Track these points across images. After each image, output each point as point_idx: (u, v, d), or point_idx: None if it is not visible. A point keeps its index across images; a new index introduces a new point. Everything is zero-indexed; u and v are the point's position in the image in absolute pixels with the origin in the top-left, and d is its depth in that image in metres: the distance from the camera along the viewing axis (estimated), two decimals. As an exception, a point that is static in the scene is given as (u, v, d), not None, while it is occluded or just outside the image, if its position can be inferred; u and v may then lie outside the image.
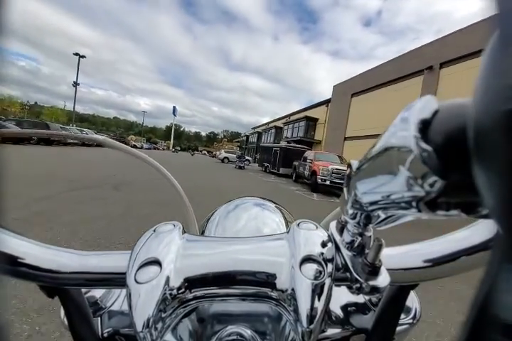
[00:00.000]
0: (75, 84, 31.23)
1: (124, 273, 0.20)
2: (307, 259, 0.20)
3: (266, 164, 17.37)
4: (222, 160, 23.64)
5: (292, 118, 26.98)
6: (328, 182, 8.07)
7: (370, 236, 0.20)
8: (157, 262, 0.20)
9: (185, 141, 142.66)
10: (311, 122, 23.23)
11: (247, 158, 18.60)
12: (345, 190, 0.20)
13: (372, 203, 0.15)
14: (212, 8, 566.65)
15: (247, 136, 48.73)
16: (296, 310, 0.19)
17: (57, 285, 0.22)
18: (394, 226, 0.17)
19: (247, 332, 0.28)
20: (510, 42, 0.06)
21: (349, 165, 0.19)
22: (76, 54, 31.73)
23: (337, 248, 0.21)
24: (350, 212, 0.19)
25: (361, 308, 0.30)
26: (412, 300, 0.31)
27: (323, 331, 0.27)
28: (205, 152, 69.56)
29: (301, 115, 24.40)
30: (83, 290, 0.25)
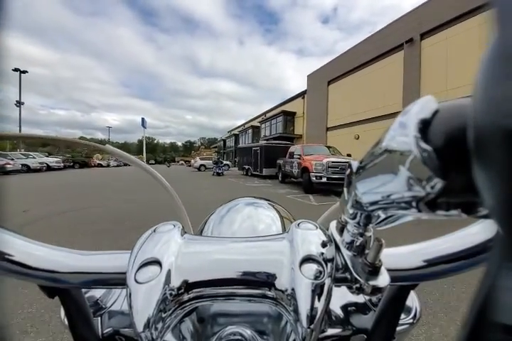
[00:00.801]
0: (19, 103, 26.98)
1: (124, 273, 0.20)
2: (307, 259, 0.20)
3: (246, 167, 15.34)
4: (199, 169, 21.27)
5: (269, 115, 25.34)
6: (324, 180, 6.36)
7: (370, 236, 0.19)
8: (157, 262, 0.20)
9: (160, 154, 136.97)
10: (289, 117, 21.73)
11: (224, 162, 16.44)
12: (345, 190, 0.20)
13: (372, 203, 0.15)
14: (171, 17, 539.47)
15: (224, 140, 46.60)
16: (296, 310, 0.19)
17: (57, 285, 0.22)
18: (396, 225, 0.17)
19: (247, 332, 0.28)
20: (509, 42, 0.06)
21: (349, 166, 0.19)
22: (16, 69, 27.41)
23: (337, 248, 0.21)
24: (351, 212, 0.19)
25: (361, 308, 0.30)
26: (412, 300, 0.31)
27: (323, 331, 0.27)
28: (183, 162, 67.52)
29: (278, 110, 22.80)
30: (83, 290, 0.25)
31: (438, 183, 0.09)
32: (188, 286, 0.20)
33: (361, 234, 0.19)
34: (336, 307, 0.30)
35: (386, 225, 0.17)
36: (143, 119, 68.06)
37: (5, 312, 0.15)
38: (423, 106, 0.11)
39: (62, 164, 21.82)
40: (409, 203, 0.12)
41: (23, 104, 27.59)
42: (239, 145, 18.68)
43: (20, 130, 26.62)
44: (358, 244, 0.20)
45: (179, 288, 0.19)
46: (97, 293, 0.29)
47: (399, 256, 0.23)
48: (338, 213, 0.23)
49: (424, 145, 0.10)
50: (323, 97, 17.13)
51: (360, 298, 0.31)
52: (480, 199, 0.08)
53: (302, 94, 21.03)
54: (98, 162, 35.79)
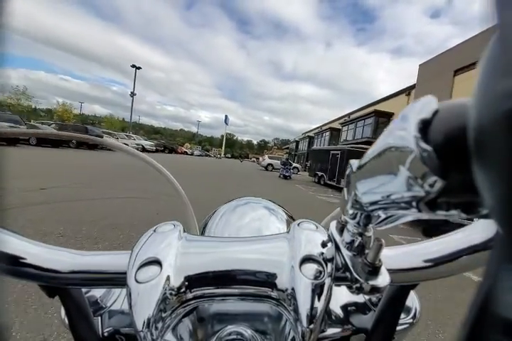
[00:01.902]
0: (132, 94, 33.81)
1: (125, 273, 0.20)
2: (307, 259, 0.20)
3: (319, 173, 12.99)
4: (266, 168, 20.23)
5: (354, 116, 21.60)
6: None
7: (370, 236, 0.19)
8: (157, 262, 0.20)
9: (237, 149, 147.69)
10: (383, 118, 17.56)
11: (294, 165, 14.52)
12: (345, 190, 0.20)
13: (372, 203, 0.15)
14: (264, 24, 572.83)
15: (297, 142, 44.47)
16: (296, 310, 0.19)
17: (57, 284, 0.22)
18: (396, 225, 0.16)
19: (247, 332, 0.28)
20: (510, 42, 0.06)
21: (349, 165, 0.19)
22: (133, 66, 34.44)
23: (337, 248, 0.21)
24: (351, 212, 0.19)
25: (361, 308, 0.30)
26: (412, 300, 0.31)
27: (323, 331, 0.27)
28: (254, 159, 70.65)
29: (368, 110, 18.93)
30: (83, 289, 0.25)
31: (438, 183, 0.09)
32: (188, 286, 0.20)
33: (361, 234, 0.19)
34: (335, 307, 0.30)
35: (386, 225, 0.17)
36: (226, 116, 74.33)
37: (5, 312, 0.15)
38: (423, 106, 0.11)
39: (155, 148, 25.50)
40: (409, 203, 0.12)
41: (135, 94, 34.22)
42: (313, 147, 16.33)
43: (131, 116, 32.81)
44: (358, 243, 0.20)
45: (179, 288, 0.19)
46: (97, 292, 0.29)
47: (399, 256, 0.23)
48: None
49: (424, 145, 0.10)
50: (444, 91, 12.57)
51: (360, 298, 0.31)
52: (480, 199, 0.08)
53: (407, 90, 16.54)
54: (185, 150, 40.96)
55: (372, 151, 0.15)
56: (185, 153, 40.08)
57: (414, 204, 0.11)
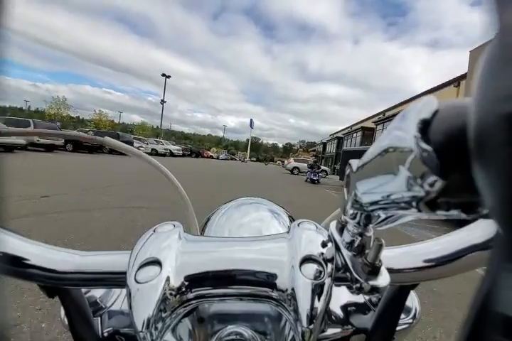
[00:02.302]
0: (162, 101, 35.52)
1: (124, 273, 0.20)
2: (307, 259, 0.21)
3: (352, 177, 11.62)
4: (292, 171, 19.22)
5: (389, 113, 19.55)
6: None
7: (370, 236, 0.19)
8: (157, 262, 0.20)
9: (262, 152, 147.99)
10: (425, 114, 15.45)
11: (322, 168, 13.30)
12: (345, 190, 0.20)
13: (372, 203, 0.15)
14: (289, 28, 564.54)
15: (324, 144, 42.45)
16: (296, 310, 0.19)
17: (57, 285, 0.22)
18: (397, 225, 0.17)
19: (247, 332, 0.28)
20: (509, 42, 0.06)
21: (349, 165, 0.18)
22: (163, 75, 36.32)
23: (337, 248, 0.21)
24: (350, 212, 0.19)
25: (361, 308, 0.30)
26: (412, 300, 0.31)
27: (323, 331, 0.27)
28: (280, 162, 70.27)
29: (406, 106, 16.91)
30: (83, 289, 0.25)
31: (438, 183, 0.09)
32: (187, 286, 0.20)
33: (361, 234, 0.19)
34: (336, 307, 0.30)
35: (386, 225, 0.17)
36: (251, 120, 74.82)
37: (5, 312, 0.15)
38: (423, 106, 0.11)
39: (182, 152, 26.19)
40: (409, 203, 0.12)
41: (165, 102, 35.93)
42: (345, 148, 14.78)
43: (161, 124, 34.31)
44: (358, 243, 0.20)
45: (179, 288, 0.19)
46: (97, 292, 0.29)
47: (399, 256, 0.23)
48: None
49: (424, 145, 0.10)
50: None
51: (360, 298, 0.31)
52: (480, 199, 0.09)
53: (455, 81, 14.34)
54: (211, 154, 41.85)
55: (372, 151, 0.15)
56: (211, 157, 40.88)
57: (414, 204, 0.11)
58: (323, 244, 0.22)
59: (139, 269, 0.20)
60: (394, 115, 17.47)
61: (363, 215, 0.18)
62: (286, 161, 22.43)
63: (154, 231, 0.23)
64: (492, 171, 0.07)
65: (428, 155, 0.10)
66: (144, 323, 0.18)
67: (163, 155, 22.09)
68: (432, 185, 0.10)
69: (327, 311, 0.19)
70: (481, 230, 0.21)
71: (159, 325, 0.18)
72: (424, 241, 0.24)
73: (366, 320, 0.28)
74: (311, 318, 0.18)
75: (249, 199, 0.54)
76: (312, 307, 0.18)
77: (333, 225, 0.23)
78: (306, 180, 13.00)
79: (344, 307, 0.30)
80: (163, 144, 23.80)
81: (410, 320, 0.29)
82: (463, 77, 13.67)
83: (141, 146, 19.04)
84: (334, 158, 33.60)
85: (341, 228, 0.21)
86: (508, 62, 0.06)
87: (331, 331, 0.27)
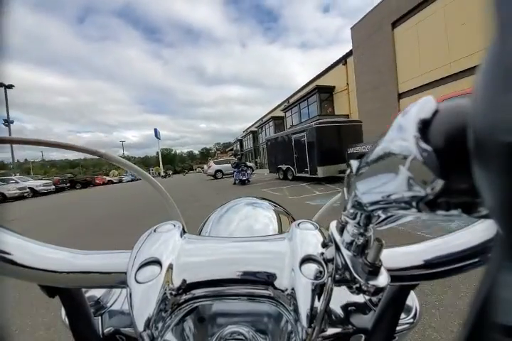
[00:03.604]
0: (6, 122, 24.28)
1: (125, 273, 0.20)
2: (307, 259, 0.21)
3: (284, 167, 9.96)
4: (215, 176, 16.33)
5: (294, 99, 19.74)
6: None
7: (370, 236, 0.19)
8: (157, 262, 0.20)
9: (179, 163, 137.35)
10: (325, 94, 15.98)
11: (248, 164, 11.07)
12: (345, 190, 0.20)
13: (372, 203, 0.15)
14: (174, 31, 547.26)
15: (240, 140, 41.60)
16: (296, 310, 0.19)
17: (57, 284, 0.22)
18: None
19: (247, 332, 0.28)
20: (510, 43, 0.06)
21: (349, 165, 0.19)
22: (1, 85, 24.73)
23: (337, 248, 0.21)
24: (351, 212, 0.19)
25: (361, 308, 0.30)
26: (412, 300, 0.31)
27: (323, 331, 0.27)
28: (200, 169, 66.59)
29: (309, 89, 17.15)
30: (84, 289, 0.25)
31: (438, 183, 0.09)
32: (188, 286, 0.20)
33: (361, 234, 0.19)
34: (336, 307, 0.30)
35: (386, 225, 0.17)
36: (155, 130, 66.12)
37: (5, 312, 0.15)
38: (423, 107, 0.11)
39: (53, 186, 18.01)
40: (409, 203, 0.12)
41: (11, 122, 24.75)
42: (268, 137, 12.96)
43: (12, 156, 23.70)
44: (358, 244, 0.20)
45: (179, 288, 0.20)
46: (98, 292, 0.29)
47: (399, 256, 0.23)
48: (333, 210, 0.23)
49: (424, 146, 0.10)
50: (385, 50, 11.24)
51: (360, 298, 0.31)
52: (480, 199, 0.09)
53: (342, 59, 15.22)
54: (109, 179, 32.84)
55: (372, 152, 0.15)
56: (109, 182, 32.14)
57: (414, 204, 0.11)
58: (324, 244, 0.21)
59: (139, 269, 0.20)
60: (300, 99, 17.56)
61: (363, 215, 0.18)
62: (205, 166, 19.26)
63: (154, 231, 0.23)
64: (492, 171, 0.07)
65: (428, 155, 0.10)
66: (144, 323, 0.18)
67: (19, 197, 14.14)
68: (432, 185, 0.10)
69: (327, 311, 0.19)
70: (481, 230, 0.21)
71: (160, 325, 0.18)
72: (424, 241, 0.24)
73: (366, 320, 0.28)
74: (311, 318, 0.18)
75: (248, 199, 0.54)
76: (312, 307, 0.18)
77: (333, 225, 0.23)
78: (235, 183, 10.45)
79: (344, 307, 0.29)
80: (16, 182, 15.40)
81: (410, 320, 0.29)
82: (348, 55, 14.61)
83: None
84: (254, 152, 33.08)
85: (341, 228, 0.21)
86: (507, 64, 0.06)
87: (331, 331, 0.27)
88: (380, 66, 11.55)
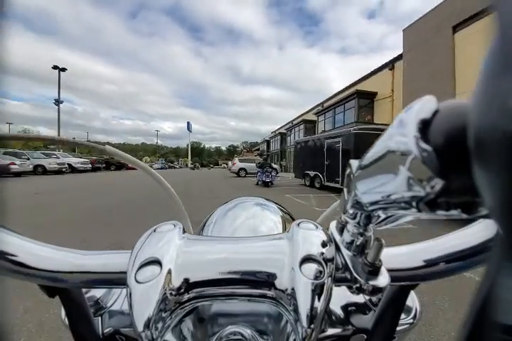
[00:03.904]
0: (57, 102, 27.08)
1: (125, 273, 0.20)
2: (307, 259, 0.20)
3: (312, 173, 9.36)
4: (238, 173, 16.24)
5: (329, 104, 18.86)
6: None
7: (370, 236, 0.19)
8: (157, 262, 0.20)
9: (206, 157, 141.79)
10: (365, 99, 14.92)
11: (273, 165, 10.69)
12: (345, 190, 0.20)
13: (372, 203, 0.15)
14: (217, 30, 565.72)
15: (268, 141, 41.49)
16: (296, 310, 0.19)
17: (57, 284, 0.22)
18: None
19: (247, 332, 0.28)
20: (510, 44, 0.06)
21: (349, 165, 0.19)
22: (55, 67, 27.76)
23: (337, 248, 0.21)
24: (351, 211, 0.19)
25: (361, 308, 0.30)
26: (412, 300, 0.31)
27: (324, 331, 0.27)
28: (225, 165, 67.80)
29: (349, 92, 16.20)
30: (84, 289, 0.25)
31: (438, 183, 0.09)
32: (188, 286, 0.20)
33: (361, 234, 0.19)
34: (336, 307, 0.30)
35: (386, 225, 0.17)
36: (188, 123, 69.15)
37: (5, 311, 0.16)
38: (423, 106, 0.11)
39: (91, 165, 19.48)
40: (409, 203, 0.12)
41: (61, 102, 27.33)
42: (299, 139, 12.34)
43: (58, 130, 26.13)
44: (358, 243, 0.20)
45: (179, 288, 0.19)
46: (98, 292, 0.29)
47: (399, 256, 0.23)
48: (339, 212, 0.23)
49: (424, 146, 0.10)
50: (443, 56, 10.03)
51: (360, 298, 0.31)
52: (480, 199, 0.09)
53: (390, 64, 14.08)
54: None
55: (372, 151, 0.15)
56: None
57: (414, 204, 0.11)
58: (324, 244, 0.21)
59: (139, 269, 0.20)
60: (336, 103, 16.68)
61: (363, 215, 0.18)
62: (230, 163, 19.31)
63: (154, 230, 0.23)
64: (492, 171, 0.07)
65: (428, 155, 0.10)
66: (144, 323, 0.18)
67: (58, 172, 15.52)
68: (431, 185, 0.10)
69: (327, 311, 0.19)
70: (481, 230, 0.21)
71: (159, 325, 0.18)
72: (424, 241, 0.24)
73: (366, 320, 0.28)
74: (311, 318, 0.18)
75: (249, 198, 0.54)
76: (312, 307, 0.18)
77: (333, 225, 0.23)
78: (258, 183, 10.17)
79: (344, 307, 0.29)
80: (57, 157, 16.96)
81: (411, 320, 0.29)
82: (397, 59, 13.47)
83: (14, 163, 12.23)
84: (280, 154, 32.55)
85: (341, 228, 0.21)
86: (508, 64, 0.06)
87: (331, 331, 0.27)
88: (434, 73, 10.35)
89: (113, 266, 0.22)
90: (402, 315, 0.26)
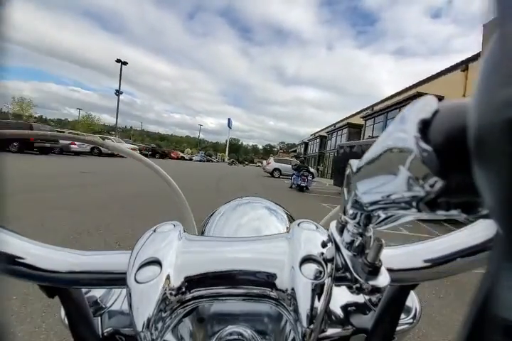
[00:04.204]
0: (118, 92, 30.42)
1: (124, 273, 0.20)
2: (307, 259, 0.20)
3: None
4: (272, 174, 15.92)
5: (380, 107, 17.11)
6: None
7: (370, 236, 0.19)
8: (157, 262, 0.20)
9: (242, 154, 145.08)
10: (427, 105, 12.96)
11: (310, 169, 10.06)
12: (345, 190, 0.20)
13: (372, 203, 0.15)
14: (266, 31, 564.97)
15: (306, 143, 40.12)
16: (296, 310, 0.19)
17: (57, 285, 0.22)
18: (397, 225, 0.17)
19: (247, 332, 0.28)
20: (510, 42, 0.06)
21: (349, 165, 0.19)
22: (118, 60, 31.27)
23: (337, 248, 0.21)
24: (351, 212, 0.19)
25: (361, 308, 0.30)
26: (412, 300, 0.31)
27: (323, 331, 0.27)
28: (260, 163, 68.31)
29: (407, 95, 14.42)
30: (83, 289, 0.25)
31: (438, 183, 0.09)
32: (188, 286, 0.20)
33: (361, 234, 0.19)
34: (336, 307, 0.30)
35: (386, 225, 0.17)
36: (229, 120, 71.33)
37: (5, 311, 0.15)
38: (423, 106, 0.11)
39: (138, 152, 21.46)
40: (409, 203, 0.12)
41: (121, 93, 30.98)
42: (342, 143, 11.38)
43: (116, 118, 29.22)
44: (358, 243, 0.20)
45: (179, 288, 0.20)
46: (97, 292, 0.29)
47: (399, 256, 0.23)
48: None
49: (424, 145, 0.10)
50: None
51: (360, 298, 0.31)
52: (480, 199, 0.09)
53: (462, 64, 12.03)
54: (182, 155, 37.32)
55: (372, 151, 0.15)
56: (182, 158, 36.37)
57: (414, 204, 0.11)
58: (323, 244, 0.21)
59: (139, 269, 0.20)
60: (390, 106, 14.99)
61: (363, 215, 0.18)
62: (265, 162, 19.08)
63: (154, 231, 0.23)
64: (492, 171, 0.07)
65: (428, 155, 0.09)
66: (144, 323, 0.18)
67: (111, 154, 17.56)
68: (431, 185, 0.10)
69: (327, 311, 0.19)
70: (481, 230, 0.21)
71: (159, 325, 0.18)
72: (424, 241, 0.24)
73: (366, 320, 0.28)
74: (311, 318, 0.18)
75: (249, 198, 0.54)
76: (312, 307, 0.18)
77: (333, 225, 0.23)
78: (291, 186, 9.69)
79: (344, 307, 0.29)
80: (112, 141, 19.11)
81: (410, 320, 0.29)
82: (470, 60, 11.43)
83: (74, 143, 14.38)
84: (318, 158, 31.19)
85: (341, 228, 0.21)
86: (507, 63, 0.06)
87: (331, 331, 0.27)
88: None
89: (113, 266, 0.22)
90: (402, 315, 0.26)
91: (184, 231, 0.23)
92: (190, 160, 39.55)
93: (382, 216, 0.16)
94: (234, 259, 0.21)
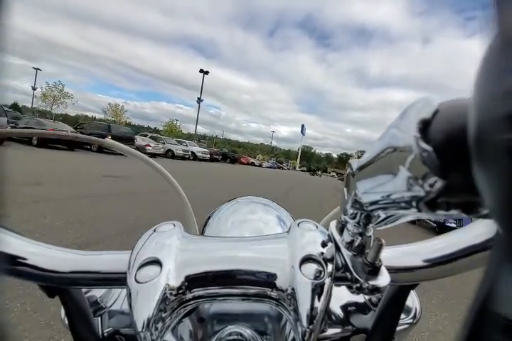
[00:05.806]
0: (199, 100, 32.81)
1: (125, 273, 0.20)
2: (307, 259, 0.20)
3: None
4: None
5: None
6: None
7: (370, 236, 0.19)
8: (157, 262, 0.20)
9: (315, 163, 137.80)
10: None
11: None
12: (345, 189, 0.20)
13: (372, 203, 0.15)
14: (345, 34, 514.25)
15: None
16: (296, 310, 0.19)
17: (57, 285, 0.22)
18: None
19: (247, 332, 0.28)
20: (510, 40, 0.06)
21: (349, 165, 0.18)
22: (201, 71, 34.02)
23: (337, 248, 0.21)
24: (350, 211, 0.19)
25: (361, 308, 0.30)
26: (412, 300, 0.31)
27: (323, 331, 0.27)
28: (334, 174, 61.59)
29: None
30: (83, 289, 0.25)
31: (438, 183, 0.09)
32: (188, 286, 0.20)
33: (361, 234, 0.19)
34: (336, 307, 0.30)
35: (386, 225, 0.17)
36: (302, 126, 67.99)
37: (5, 311, 0.15)
38: (423, 106, 0.11)
39: (209, 156, 21.58)
40: (409, 203, 0.11)
41: (201, 100, 33.87)
42: None
43: (196, 123, 31.22)
44: (358, 243, 0.19)
45: (179, 288, 0.19)
46: (97, 292, 0.29)
47: (399, 256, 0.23)
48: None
49: (424, 145, 0.10)
50: None
51: (360, 298, 0.31)
52: (480, 199, 0.08)
53: None
54: (252, 161, 36.89)
55: (372, 151, 0.14)
56: (252, 163, 35.79)
57: (414, 204, 0.11)
58: (323, 244, 0.21)
59: (139, 269, 0.20)
60: None
61: (363, 215, 0.18)
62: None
63: (154, 230, 0.23)
64: (492, 171, 0.07)
65: (428, 155, 0.09)
66: (144, 323, 0.18)
67: (183, 157, 17.62)
68: (431, 185, 0.10)
69: (327, 311, 0.19)
70: (481, 230, 0.21)
71: (159, 325, 0.18)
72: (424, 240, 0.24)
73: (366, 320, 0.28)
74: (311, 318, 0.18)
75: (249, 198, 0.54)
76: (312, 307, 0.18)
77: (333, 225, 0.23)
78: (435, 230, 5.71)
79: (344, 307, 0.29)
80: (186, 145, 19.62)
81: (410, 320, 0.29)
82: None
83: (149, 145, 14.99)
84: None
85: (341, 228, 0.21)
86: (507, 62, 0.06)
87: (331, 331, 0.27)
88: None
89: (113, 266, 0.22)
90: (402, 315, 0.26)
91: (184, 231, 0.23)
92: (260, 166, 38.63)
93: (382, 216, 0.16)
94: (234, 259, 0.21)
